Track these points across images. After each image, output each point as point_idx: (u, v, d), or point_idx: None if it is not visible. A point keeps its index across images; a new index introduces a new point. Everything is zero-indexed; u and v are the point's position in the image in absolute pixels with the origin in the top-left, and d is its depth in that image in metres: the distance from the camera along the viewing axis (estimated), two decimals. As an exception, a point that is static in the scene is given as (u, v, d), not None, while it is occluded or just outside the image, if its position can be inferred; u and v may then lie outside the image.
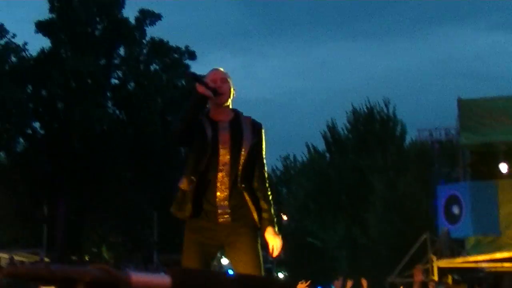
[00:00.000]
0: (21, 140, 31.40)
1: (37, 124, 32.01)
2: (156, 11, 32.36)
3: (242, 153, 4.55)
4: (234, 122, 4.64)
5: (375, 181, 30.94)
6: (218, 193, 4.50)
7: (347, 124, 36.17)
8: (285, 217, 34.84)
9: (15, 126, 30.19)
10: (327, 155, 37.28)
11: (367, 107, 35.51)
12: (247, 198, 4.52)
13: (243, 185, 4.54)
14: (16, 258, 28.47)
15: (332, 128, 36.76)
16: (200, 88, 4.42)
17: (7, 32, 30.79)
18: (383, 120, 35.34)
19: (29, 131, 31.56)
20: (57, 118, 31.21)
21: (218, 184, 4.50)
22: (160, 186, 30.51)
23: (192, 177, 4.50)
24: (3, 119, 29.64)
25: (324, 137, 37.01)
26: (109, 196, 31.20)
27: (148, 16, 32.04)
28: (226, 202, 4.49)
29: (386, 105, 35.32)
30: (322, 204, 33.20)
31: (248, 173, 4.60)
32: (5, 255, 27.87)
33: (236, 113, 4.73)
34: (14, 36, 30.86)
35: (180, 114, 4.71)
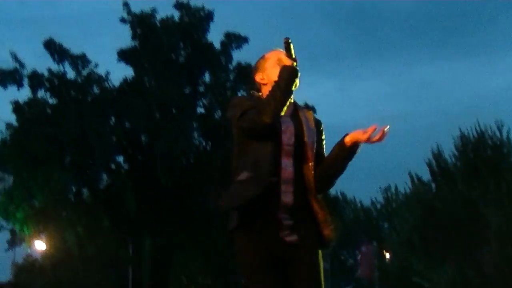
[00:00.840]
0: (104, 175, 31.10)
1: (120, 158, 31.77)
2: (242, 34, 31.86)
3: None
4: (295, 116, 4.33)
5: (488, 214, 29.74)
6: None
7: (455, 151, 34.70)
8: (387, 255, 34.22)
9: (98, 161, 29.80)
10: (433, 185, 35.89)
11: (477, 131, 34.02)
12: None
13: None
14: None
15: (437, 155, 35.51)
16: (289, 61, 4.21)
17: (89, 62, 30.76)
18: (495, 146, 33.65)
19: (113, 166, 31.22)
20: (141, 150, 30.82)
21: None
22: None
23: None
24: (86, 154, 29.31)
25: (429, 166, 35.71)
26: (198, 233, 30.39)
27: (234, 40, 31.51)
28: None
29: (499, 129, 33.76)
30: (429, 240, 31.83)
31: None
32: None
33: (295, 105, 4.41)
34: (96, 65, 30.84)
35: (269, 99, 4.07)
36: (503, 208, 29.50)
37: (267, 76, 4.30)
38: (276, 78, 4.13)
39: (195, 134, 31.33)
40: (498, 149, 33.29)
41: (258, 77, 4.37)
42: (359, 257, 30.68)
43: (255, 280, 3.90)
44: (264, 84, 4.31)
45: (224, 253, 30.70)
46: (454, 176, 33.69)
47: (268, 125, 3.95)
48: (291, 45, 4.17)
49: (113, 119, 30.89)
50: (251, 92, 4.44)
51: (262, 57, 4.41)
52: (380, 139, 4.04)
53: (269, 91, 4.06)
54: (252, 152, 4.04)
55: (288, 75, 4.09)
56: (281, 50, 4.27)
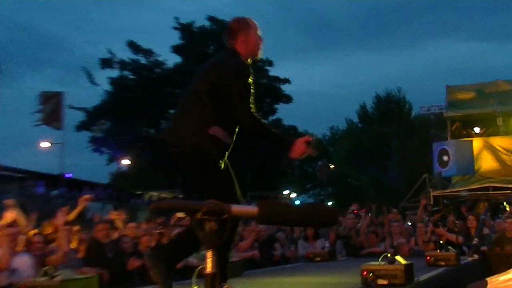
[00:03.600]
0: (163, 121, 30.92)
1: (172, 111, 32.18)
2: None
3: None
4: None
5: (392, 142, 30.84)
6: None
7: (373, 105, 36.25)
8: (332, 166, 34.29)
9: (160, 113, 30.33)
10: (360, 125, 37.06)
11: (386, 93, 35.61)
12: None
13: None
14: (163, 195, 28.99)
15: (363, 107, 36.71)
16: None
17: (153, 53, 31.96)
18: (397, 101, 35.26)
19: (167, 115, 30.89)
20: None
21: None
22: (251, 150, 30.25)
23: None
24: (153, 109, 30.12)
25: (358, 114, 37.09)
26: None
27: None
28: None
29: (399, 92, 35.46)
30: (357, 158, 32.77)
31: None
32: (155, 194, 29.33)
33: None
34: (158, 55, 31.92)
35: (263, 131, 3.25)
36: (400, 139, 30.93)
37: (249, 42, 3.40)
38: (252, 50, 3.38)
39: None
40: (398, 103, 35.21)
41: (247, 37, 3.39)
42: (317, 168, 31.99)
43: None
44: (248, 43, 3.39)
45: (236, 168, 33.55)
46: (372, 120, 35.46)
47: (244, 128, 3.23)
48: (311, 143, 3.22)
49: (169, 88, 31.61)
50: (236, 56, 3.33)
51: (247, 23, 3.44)
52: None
53: (269, 130, 3.28)
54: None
55: (280, 145, 3.27)
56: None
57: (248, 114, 3.23)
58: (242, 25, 3.44)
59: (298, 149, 3.24)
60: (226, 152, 3.33)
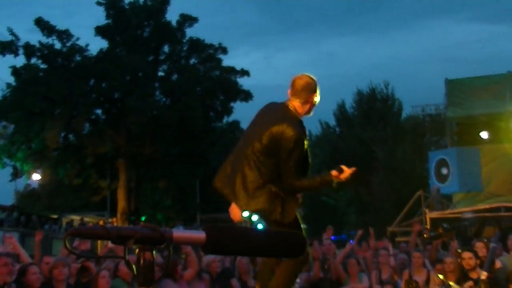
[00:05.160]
0: (87, 124, 32.00)
1: (99, 111, 32.56)
2: (194, 15, 32.74)
3: None
4: None
5: (377, 150, 31.41)
6: None
7: (353, 103, 36.63)
8: None
9: (81, 113, 30.79)
10: (337, 129, 37.72)
11: (369, 89, 36.09)
12: None
13: None
14: (86, 219, 29.33)
15: (341, 106, 37.22)
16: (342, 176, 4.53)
17: (72, 36, 31.67)
18: (383, 99, 35.82)
19: (93, 117, 32.13)
20: (115, 105, 31.62)
21: None
22: (200, 160, 31.25)
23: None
24: (72, 108, 30.37)
25: (335, 114, 37.57)
26: (160, 169, 31.71)
27: (187, 20, 32.39)
28: None
29: (385, 87, 35.98)
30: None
31: None
32: (77, 217, 29.53)
33: None
34: (77, 39, 31.70)
35: (308, 189, 4.78)
36: (387, 146, 31.60)
37: (311, 105, 4.72)
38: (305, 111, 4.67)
39: (157, 93, 32.45)
40: (385, 102, 35.81)
41: (312, 98, 4.69)
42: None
43: None
44: (309, 105, 4.71)
45: (180, 183, 32.95)
46: (352, 122, 35.97)
47: (291, 190, 4.53)
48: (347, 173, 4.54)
49: (93, 81, 31.79)
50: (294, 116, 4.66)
51: (316, 85, 4.76)
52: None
53: (311, 181, 4.63)
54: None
55: (324, 186, 4.70)
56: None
57: (295, 183, 4.54)
58: (312, 87, 4.72)
59: (342, 176, 4.55)
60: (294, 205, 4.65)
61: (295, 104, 4.68)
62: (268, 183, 4.55)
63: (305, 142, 4.63)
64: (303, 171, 4.67)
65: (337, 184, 4.58)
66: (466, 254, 8.02)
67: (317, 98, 4.75)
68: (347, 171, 4.55)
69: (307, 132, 4.81)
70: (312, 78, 4.75)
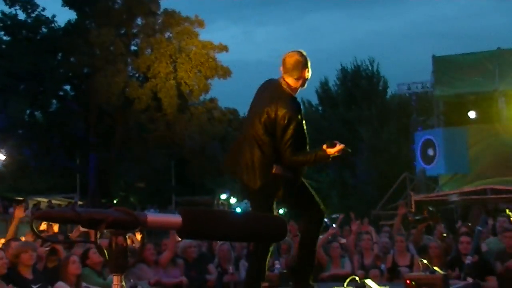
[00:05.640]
0: (54, 101, 31.78)
1: (67, 87, 32.31)
2: None
3: None
4: None
5: (362, 130, 31.71)
6: None
7: (337, 81, 36.75)
8: None
9: (48, 89, 30.55)
10: (320, 108, 37.79)
11: (354, 66, 36.25)
12: None
13: None
14: (54, 202, 29.02)
15: (324, 84, 37.27)
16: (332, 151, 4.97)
17: (37, 6, 31.19)
18: (368, 77, 35.97)
19: (61, 93, 31.88)
20: (85, 81, 31.32)
21: None
22: (176, 140, 31.17)
23: None
24: (38, 83, 30.03)
25: (317, 93, 37.56)
26: (134, 149, 31.68)
27: None
28: None
29: (370, 64, 36.10)
30: None
31: None
32: (44, 200, 29.29)
33: None
34: (43, 9, 31.25)
35: (304, 163, 5.24)
36: (372, 126, 31.89)
37: (304, 80, 5.17)
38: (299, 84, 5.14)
39: (129, 68, 32.06)
40: (370, 79, 35.91)
41: (304, 74, 5.14)
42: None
43: None
44: (302, 80, 5.16)
45: (154, 164, 32.90)
46: (336, 101, 36.07)
47: (288, 163, 5.01)
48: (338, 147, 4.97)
49: (60, 55, 31.47)
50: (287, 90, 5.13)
51: (306, 60, 5.19)
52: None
53: (307, 157, 5.11)
54: None
55: (321, 162, 5.20)
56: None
57: (291, 158, 5.03)
58: (303, 63, 5.14)
59: (335, 152, 4.98)
60: (292, 183, 5.16)
61: (288, 81, 5.12)
62: (272, 162, 5.05)
63: (300, 118, 5.10)
64: (301, 146, 5.15)
65: (332, 159, 5.08)
66: (465, 238, 8.17)
67: (308, 73, 5.17)
68: (337, 147, 4.93)
69: (301, 108, 5.31)
70: (302, 54, 5.18)
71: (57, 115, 31.10)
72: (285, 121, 4.98)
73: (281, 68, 5.16)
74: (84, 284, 7.38)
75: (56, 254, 7.69)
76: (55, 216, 1.76)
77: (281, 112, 5.00)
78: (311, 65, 5.22)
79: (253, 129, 5.12)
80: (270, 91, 5.18)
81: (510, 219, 10.78)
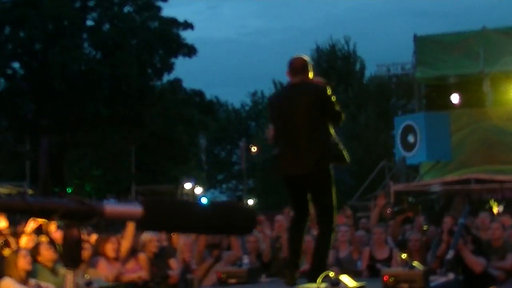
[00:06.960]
0: (1, 80, 31.52)
1: (17, 65, 31.98)
2: None
3: None
4: None
5: None
6: None
7: (311, 61, 37.38)
8: (254, 149, 35.67)
9: None
10: None
11: (329, 45, 36.45)
12: None
13: None
14: (1, 190, 29.33)
15: None
16: None
17: None
18: (344, 57, 36.31)
19: (9, 71, 31.59)
20: (36, 58, 31.10)
21: None
22: (136, 123, 31.13)
23: None
24: None
25: None
26: (89, 133, 31.62)
27: None
28: None
29: (347, 43, 36.37)
30: None
31: None
32: None
33: None
34: None
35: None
36: (349, 109, 30.64)
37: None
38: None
39: (86, 45, 31.88)
40: (346, 59, 36.22)
41: (311, 75, 6.30)
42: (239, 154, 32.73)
43: None
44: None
45: (112, 149, 32.91)
46: None
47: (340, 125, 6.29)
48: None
49: (8, 29, 30.93)
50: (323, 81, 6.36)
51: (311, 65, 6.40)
52: None
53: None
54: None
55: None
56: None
57: (343, 117, 6.30)
58: (308, 62, 6.29)
59: None
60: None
61: (301, 78, 6.10)
62: (330, 137, 6.01)
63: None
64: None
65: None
66: (448, 219, 8.41)
67: (312, 74, 6.22)
68: None
69: None
70: (307, 58, 6.36)
71: (4, 95, 30.79)
72: (329, 91, 6.00)
73: (288, 72, 6.16)
74: (34, 280, 7.31)
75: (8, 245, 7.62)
76: (3, 206, 1.75)
77: (320, 86, 6.08)
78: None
79: (300, 120, 5.94)
80: (296, 88, 6.18)
81: (493, 211, 10.93)
